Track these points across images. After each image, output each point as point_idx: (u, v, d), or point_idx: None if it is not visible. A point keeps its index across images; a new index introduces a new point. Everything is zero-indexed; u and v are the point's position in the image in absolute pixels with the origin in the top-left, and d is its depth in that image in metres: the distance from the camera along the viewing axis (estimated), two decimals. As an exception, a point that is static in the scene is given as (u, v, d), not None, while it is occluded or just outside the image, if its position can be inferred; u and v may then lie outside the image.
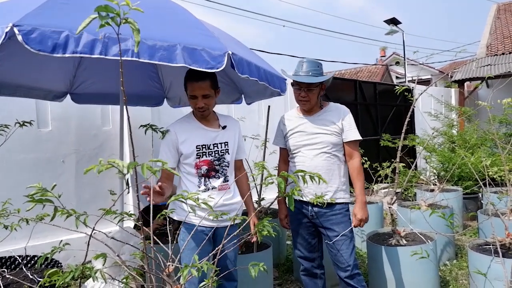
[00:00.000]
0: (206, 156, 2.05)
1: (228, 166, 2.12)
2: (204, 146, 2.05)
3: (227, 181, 2.11)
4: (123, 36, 1.55)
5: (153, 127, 2.16)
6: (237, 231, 1.52)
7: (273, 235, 1.31)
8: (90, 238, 0.98)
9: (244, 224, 1.48)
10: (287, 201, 2.47)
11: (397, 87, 2.83)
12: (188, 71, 2.00)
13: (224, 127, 2.12)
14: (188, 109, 4.73)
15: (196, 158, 2.04)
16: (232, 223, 1.71)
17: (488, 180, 2.92)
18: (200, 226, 1.95)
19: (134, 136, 2.10)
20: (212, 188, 2.05)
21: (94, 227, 0.97)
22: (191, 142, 2.04)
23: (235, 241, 1.89)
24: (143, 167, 0.76)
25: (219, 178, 2.08)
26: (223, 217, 1.84)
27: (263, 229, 1.23)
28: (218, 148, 2.08)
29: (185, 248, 1.94)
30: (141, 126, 1.91)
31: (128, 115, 0.93)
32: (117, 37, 0.83)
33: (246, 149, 2.36)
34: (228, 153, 2.12)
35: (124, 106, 0.96)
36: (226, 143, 2.11)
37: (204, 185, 2.05)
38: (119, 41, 0.91)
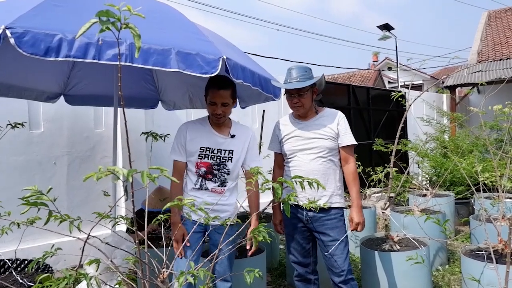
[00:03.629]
0: (208, 159, 2.13)
1: (228, 174, 2.17)
2: (208, 149, 2.13)
3: (224, 186, 2.16)
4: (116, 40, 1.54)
5: (154, 134, 2.18)
6: (235, 234, 1.50)
7: (269, 241, 1.31)
8: (85, 244, 0.96)
9: (241, 229, 1.47)
10: (282, 207, 2.46)
11: (393, 93, 2.85)
12: (212, 78, 2.03)
13: (233, 136, 2.18)
14: (182, 113, 4.69)
15: (198, 158, 2.13)
16: (221, 223, 1.71)
17: (482, 186, 2.94)
18: (194, 221, 2.02)
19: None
20: (205, 189, 2.14)
21: (89, 233, 0.96)
22: (196, 142, 2.13)
23: (231, 242, 1.89)
24: (143, 175, 0.75)
25: (215, 182, 2.15)
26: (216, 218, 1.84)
27: (258, 235, 1.22)
28: (221, 154, 2.15)
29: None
30: (142, 133, 1.90)
31: (125, 120, 0.92)
32: (117, 42, 0.82)
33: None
34: (231, 161, 2.17)
35: (122, 111, 0.95)
36: (231, 151, 2.17)
37: (200, 185, 2.14)
38: (118, 46, 0.90)
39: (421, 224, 2.69)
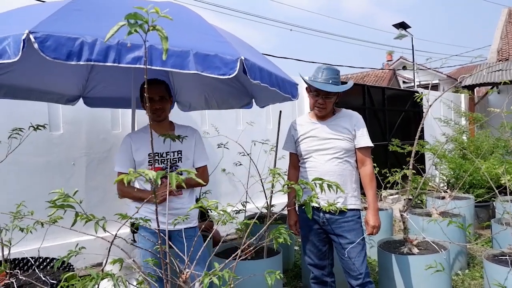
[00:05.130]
0: (159, 164, 2.15)
1: (181, 174, 2.15)
2: (156, 154, 2.15)
3: (180, 188, 2.14)
4: (135, 43, 1.55)
5: (172, 136, 2.21)
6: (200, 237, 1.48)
7: (289, 243, 1.30)
8: (111, 244, 0.97)
9: (248, 230, 1.47)
10: (298, 208, 2.44)
11: (415, 94, 2.81)
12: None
13: (178, 137, 2.18)
14: (197, 114, 4.70)
15: (149, 165, 2.14)
16: (177, 226, 1.68)
17: (509, 189, 2.85)
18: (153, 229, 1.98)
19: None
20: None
21: (116, 234, 0.97)
22: (143, 150, 2.15)
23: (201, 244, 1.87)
24: (172, 177, 0.76)
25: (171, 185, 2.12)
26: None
27: (279, 236, 1.21)
28: (170, 156, 2.17)
29: (142, 252, 2.00)
30: (160, 135, 1.94)
31: (150, 122, 0.93)
32: (144, 44, 0.83)
33: (255, 153, 2.35)
34: (181, 161, 2.20)
35: (148, 115, 0.96)
36: (179, 152, 2.19)
37: None
38: (145, 48, 0.91)
39: (441, 227, 2.63)
